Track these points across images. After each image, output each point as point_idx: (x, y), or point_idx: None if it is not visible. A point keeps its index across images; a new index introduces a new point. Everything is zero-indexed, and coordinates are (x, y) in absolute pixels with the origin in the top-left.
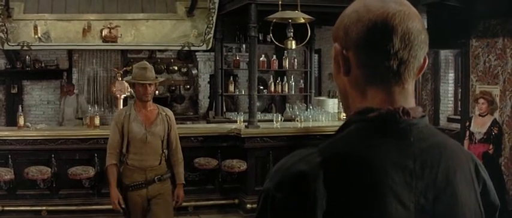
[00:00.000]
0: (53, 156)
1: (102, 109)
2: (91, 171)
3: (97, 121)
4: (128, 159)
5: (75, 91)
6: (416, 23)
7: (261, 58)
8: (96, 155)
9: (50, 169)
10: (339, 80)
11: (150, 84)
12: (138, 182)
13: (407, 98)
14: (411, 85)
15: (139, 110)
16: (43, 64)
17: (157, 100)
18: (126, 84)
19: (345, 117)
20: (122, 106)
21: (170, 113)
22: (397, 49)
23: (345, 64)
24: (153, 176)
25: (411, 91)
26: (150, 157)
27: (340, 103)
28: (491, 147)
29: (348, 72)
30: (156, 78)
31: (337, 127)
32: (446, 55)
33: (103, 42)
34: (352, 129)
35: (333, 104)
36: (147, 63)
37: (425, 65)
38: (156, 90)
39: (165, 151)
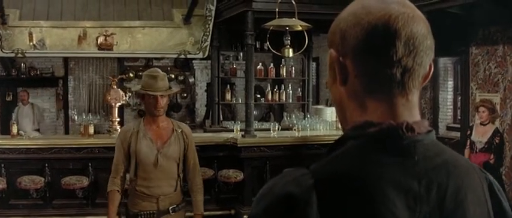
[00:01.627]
0: (46, 165)
1: (98, 118)
2: (85, 181)
3: (91, 130)
4: (137, 184)
5: (30, 100)
6: (422, 27)
7: (258, 67)
8: (90, 164)
9: (43, 179)
10: (335, 90)
11: (162, 96)
12: (148, 211)
13: (412, 111)
14: (416, 96)
15: (149, 126)
16: (38, 72)
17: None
18: (121, 92)
19: (339, 128)
20: (116, 115)
21: (187, 129)
22: (400, 55)
23: (341, 73)
24: (167, 206)
25: (416, 102)
26: (163, 183)
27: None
28: (492, 156)
29: (345, 81)
30: (170, 88)
31: (335, 137)
32: (445, 63)
33: (99, 49)
34: (349, 146)
35: (330, 113)
36: (159, 70)
37: (431, 73)
38: (169, 102)
39: (181, 175)
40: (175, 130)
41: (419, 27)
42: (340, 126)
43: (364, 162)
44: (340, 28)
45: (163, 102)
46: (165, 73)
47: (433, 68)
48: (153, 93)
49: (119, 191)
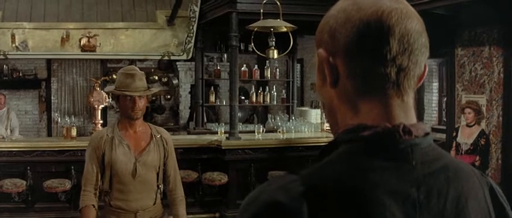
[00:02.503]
0: (28, 168)
1: (82, 120)
2: (67, 184)
3: (74, 132)
4: (112, 198)
5: (5, 103)
6: (416, 24)
7: (242, 68)
8: (72, 167)
9: (25, 182)
10: (325, 92)
11: (140, 97)
12: None
13: (408, 112)
14: (411, 97)
15: (125, 132)
16: (21, 74)
17: None
18: (104, 94)
19: (327, 130)
20: (99, 117)
21: (167, 135)
22: (394, 54)
23: (331, 74)
24: None
25: (411, 104)
26: (142, 196)
27: (324, 116)
28: (477, 158)
29: (336, 82)
30: (149, 88)
31: (320, 139)
32: (429, 64)
33: (82, 51)
34: (341, 151)
35: (315, 115)
36: (136, 68)
37: (426, 73)
38: (148, 103)
39: (161, 186)
40: (154, 136)
41: (414, 23)
42: (330, 130)
43: (358, 168)
44: (329, 26)
45: (141, 104)
46: (142, 72)
47: (427, 68)
48: (130, 94)
49: (94, 207)
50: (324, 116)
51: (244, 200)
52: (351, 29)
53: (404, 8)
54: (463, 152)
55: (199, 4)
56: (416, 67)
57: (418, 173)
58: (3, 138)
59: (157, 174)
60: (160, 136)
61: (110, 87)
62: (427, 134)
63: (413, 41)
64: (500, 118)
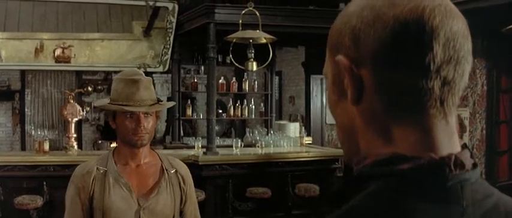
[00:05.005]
0: None
1: (57, 133)
2: (39, 201)
3: (46, 146)
4: None
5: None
6: (462, 25)
7: (220, 81)
8: (45, 183)
9: None
10: (342, 110)
11: (146, 114)
12: None
13: (452, 138)
14: (455, 117)
15: (124, 165)
16: None
17: (104, 126)
18: (79, 107)
19: (307, 144)
20: (73, 131)
21: (185, 170)
22: (439, 63)
23: (355, 88)
24: None
25: (455, 126)
26: None
27: (339, 140)
28: None
29: (360, 98)
30: (159, 102)
31: (301, 155)
32: None
33: (56, 62)
34: (373, 190)
35: (294, 128)
36: (140, 71)
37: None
38: (156, 123)
39: None
40: (166, 171)
41: (460, 24)
42: (347, 158)
43: (396, 211)
44: (351, 26)
45: (148, 124)
46: (149, 78)
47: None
48: (132, 109)
49: None
50: (303, 130)
51: None
52: (382, 30)
53: (448, 5)
54: None
55: (176, 15)
56: (462, 80)
57: (468, 217)
58: None
59: None
60: (176, 171)
61: (102, 101)
62: (475, 165)
63: (459, 46)
64: (484, 131)
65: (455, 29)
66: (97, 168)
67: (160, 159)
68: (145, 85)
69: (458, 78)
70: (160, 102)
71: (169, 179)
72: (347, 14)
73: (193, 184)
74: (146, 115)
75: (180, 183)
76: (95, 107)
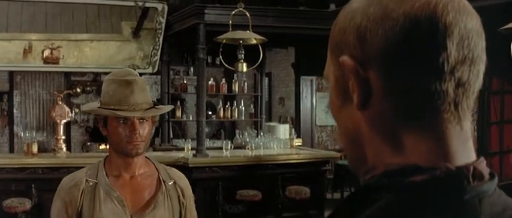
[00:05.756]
0: None
1: (45, 135)
2: (27, 204)
3: (35, 148)
4: None
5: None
6: (476, 22)
7: (209, 82)
8: (33, 186)
9: None
10: (346, 116)
11: (142, 119)
12: None
13: (467, 145)
14: (469, 122)
15: (117, 177)
16: None
17: (93, 128)
18: (67, 109)
19: (297, 146)
20: (62, 133)
21: (184, 181)
22: (453, 63)
23: (361, 91)
24: None
25: (470, 132)
26: None
27: (343, 147)
28: None
29: (366, 102)
30: (155, 105)
31: (291, 157)
32: None
33: (44, 63)
34: (384, 204)
35: (284, 130)
36: (134, 72)
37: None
38: (152, 129)
39: None
40: (164, 182)
41: (474, 21)
42: (352, 166)
43: None
44: (356, 24)
45: (144, 131)
46: (144, 79)
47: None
48: (126, 114)
49: None
50: (293, 131)
51: None
52: (391, 28)
53: (461, 1)
54: None
55: (165, 15)
56: (477, 81)
57: None
58: None
59: None
60: (174, 182)
61: (92, 104)
62: (492, 176)
63: (474, 45)
64: (475, 133)
65: (469, 26)
66: (86, 180)
67: (156, 169)
68: (140, 87)
69: (473, 79)
70: (156, 106)
71: (167, 192)
72: (351, 11)
73: (193, 196)
74: (141, 120)
75: (179, 196)
76: (87, 112)
